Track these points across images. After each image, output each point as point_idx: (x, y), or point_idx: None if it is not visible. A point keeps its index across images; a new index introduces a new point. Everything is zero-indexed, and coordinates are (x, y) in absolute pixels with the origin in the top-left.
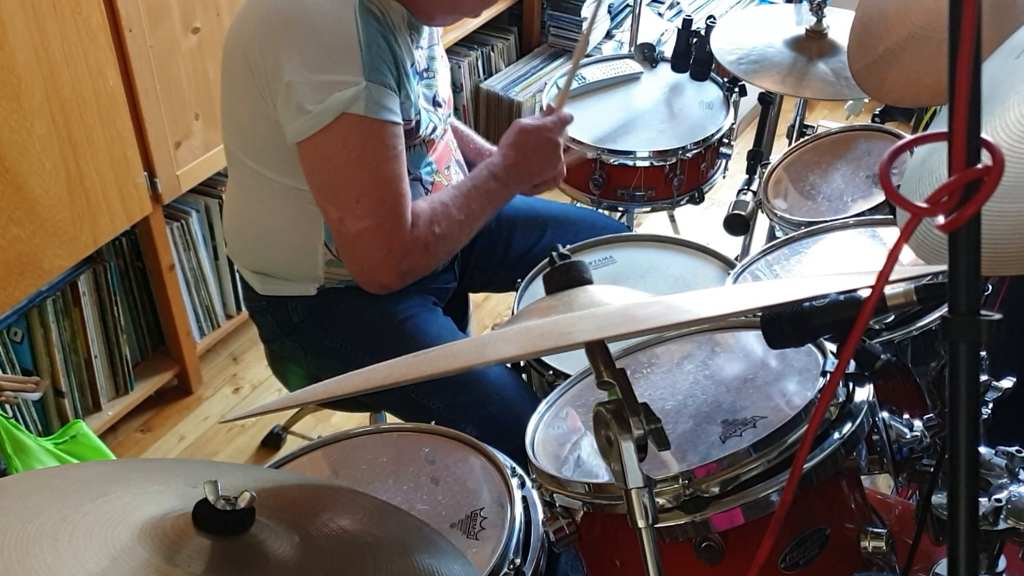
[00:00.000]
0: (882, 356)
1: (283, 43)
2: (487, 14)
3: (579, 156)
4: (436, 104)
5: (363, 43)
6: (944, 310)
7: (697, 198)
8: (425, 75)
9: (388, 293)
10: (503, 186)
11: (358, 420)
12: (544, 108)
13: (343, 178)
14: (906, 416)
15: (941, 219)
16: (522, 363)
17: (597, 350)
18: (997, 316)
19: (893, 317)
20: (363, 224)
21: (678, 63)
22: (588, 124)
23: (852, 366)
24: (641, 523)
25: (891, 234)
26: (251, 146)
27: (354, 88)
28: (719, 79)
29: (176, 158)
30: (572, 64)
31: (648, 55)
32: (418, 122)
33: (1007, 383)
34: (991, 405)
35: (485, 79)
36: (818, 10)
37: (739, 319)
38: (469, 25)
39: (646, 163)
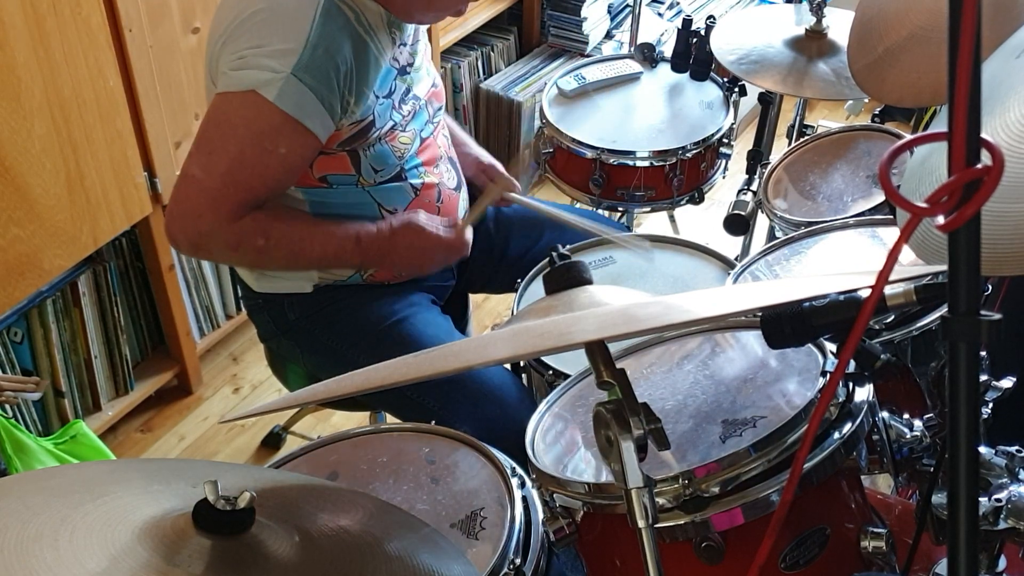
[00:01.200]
0: (882, 356)
1: (247, 23)
2: (486, 13)
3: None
4: (413, 98)
5: (311, 42)
6: (944, 310)
7: (697, 198)
8: (407, 70)
9: (386, 287)
10: (358, 254)
11: (358, 420)
12: (454, 223)
13: (217, 135)
14: (906, 416)
15: (941, 219)
16: (522, 363)
17: (597, 350)
18: (997, 316)
19: (893, 317)
20: (199, 173)
21: (678, 63)
22: (588, 124)
23: (852, 366)
24: (641, 523)
25: (891, 234)
26: None
27: (274, 75)
28: (719, 79)
29: (176, 158)
30: (485, 196)
31: (648, 55)
32: (371, 122)
33: (1007, 383)
34: (991, 405)
35: (485, 79)
36: (818, 10)
37: (739, 319)
38: (469, 25)
39: (646, 163)
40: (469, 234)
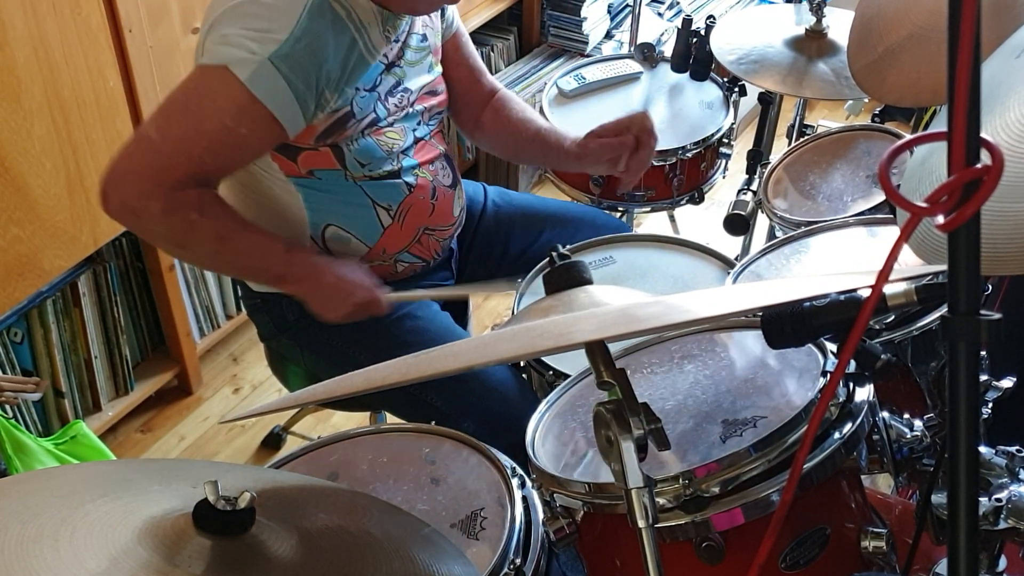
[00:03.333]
0: (882, 356)
1: (237, 9)
2: (486, 13)
3: None
4: (403, 92)
5: (294, 35)
6: (944, 310)
7: (697, 198)
8: (398, 63)
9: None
10: (283, 264)
11: (358, 420)
12: (388, 298)
13: (183, 103)
14: (906, 416)
15: (941, 219)
16: (522, 363)
17: (597, 350)
18: (997, 316)
19: (893, 317)
20: (153, 135)
21: (678, 63)
22: (588, 124)
23: (852, 366)
24: (641, 523)
25: (891, 234)
26: None
27: (250, 55)
28: (719, 79)
29: None
30: (428, 293)
31: (648, 55)
32: (348, 113)
33: (1007, 383)
34: (991, 405)
35: None
36: (818, 10)
37: (739, 319)
38: (469, 25)
39: None
40: (390, 304)
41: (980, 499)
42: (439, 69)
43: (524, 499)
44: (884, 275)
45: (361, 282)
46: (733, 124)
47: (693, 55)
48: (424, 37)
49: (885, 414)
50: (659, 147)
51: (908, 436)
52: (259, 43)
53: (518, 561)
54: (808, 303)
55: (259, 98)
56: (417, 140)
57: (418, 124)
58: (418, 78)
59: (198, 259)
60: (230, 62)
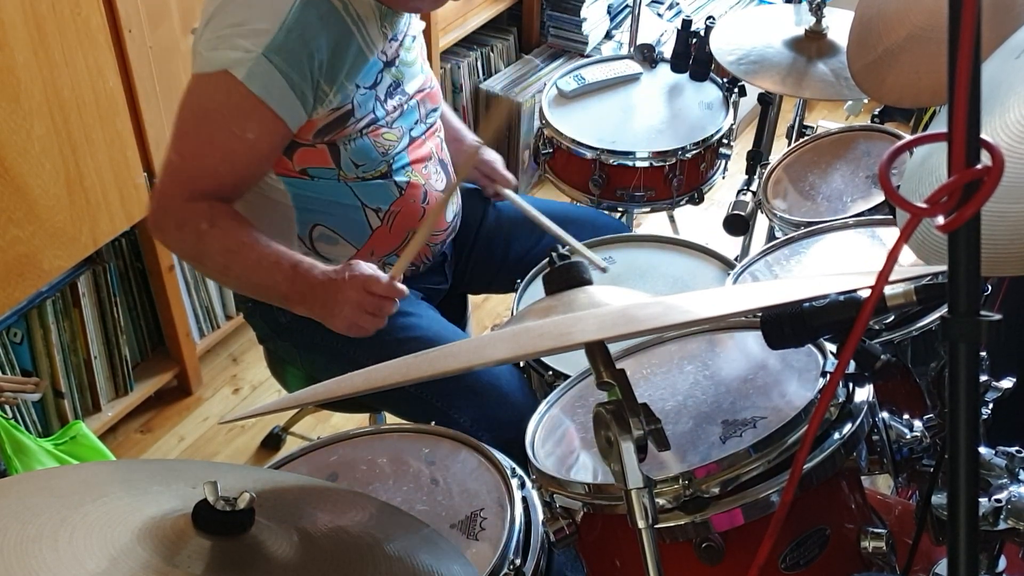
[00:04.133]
0: (882, 356)
1: (228, 5)
2: (486, 13)
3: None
4: (401, 93)
5: (285, 25)
6: (944, 310)
7: (697, 198)
8: (396, 63)
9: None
10: (290, 282)
11: (358, 420)
12: (391, 277)
13: (192, 119)
14: (906, 416)
15: (941, 219)
16: (522, 363)
17: (597, 350)
18: (997, 316)
19: (893, 317)
20: (174, 157)
21: (678, 63)
22: (588, 124)
23: (852, 366)
24: (641, 523)
25: (891, 234)
26: None
27: (246, 54)
28: (718, 79)
29: None
30: (414, 242)
31: (648, 55)
32: (348, 111)
33: (1007, 383)
34: (991, 405)
35: (484, 79)
36: (817, 10)
37: (739, 319)
38: (468, 25)
39: (645, 163)
40: (402, 288)
41: (980, 500)
42: (428, 69)
43: (524, 500)
44: (884, 276)
45: (364, 303)
46: (733, 125)
47: (693, 55)
48: (415, 38)
49: (885, 415)
50: (659, 147)
51: (908, 437)
52: (251, 39)
53: (518, 562)
54: (808, 304)
55: (260, 96)
56: (412, 139)
57: (415, 123)
58: (414, 80)
59: (213, 274)
60: (227, 65)
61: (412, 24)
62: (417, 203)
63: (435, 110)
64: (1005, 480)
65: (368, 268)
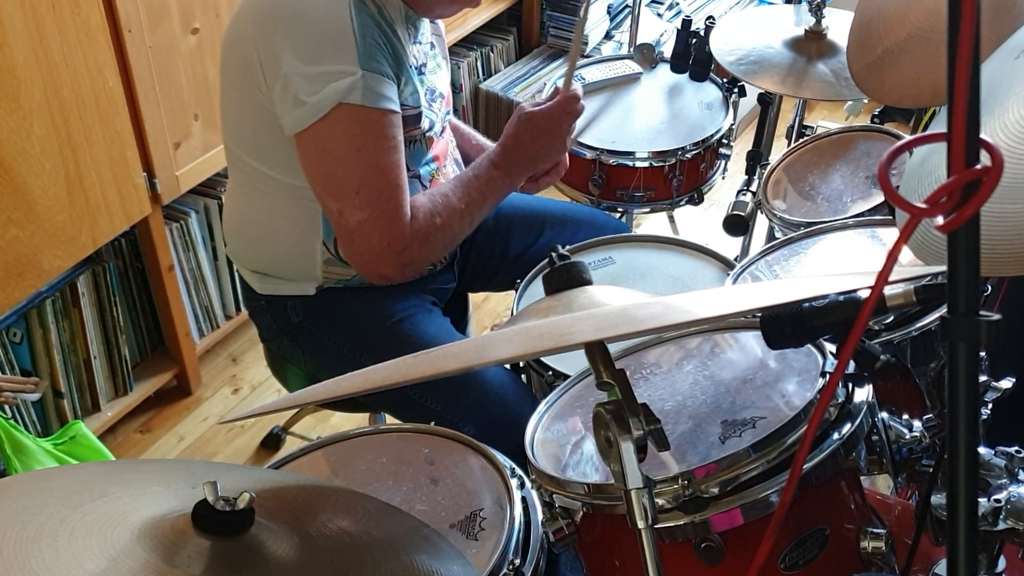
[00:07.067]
0: (882, 356)
1: (278, 36)
2: (486, 13)
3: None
4: (432, 100)
5: (357, 33)
6: (943, 311)
7: (696, 199)
8: (422, 70)
9: (388, 289)
10: (505, 174)
11: (358, 420)
12: (552, 91)
13: (342, 169)
14: (905, 416)
15: (940, 220)
16: (522, 364)
17: (597, 351)
18: (996, 316)
19: (892, 318)
20: (363, 215)
21: (677, 64)
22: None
23: (852, 366)
24: (641, 524)
25: (890, 235)
26: (250, 143)
27: (350, 78)
28: (718, 80)
29: (175, 159)
30: (573, 47)
31: (647, 56)
32: (419, 113)
33: (1007, 383)
34: (990, 406)
35: (484, 80)
36: (817, 11)
37: (739, 319)
38: (468, 25)
39: (645, 164)
40: (578, 87)
41: (979, 500)
42: (447, 70)
43: (523, 500)
44: (883, 276)
45: (548, 112)
46: (732, 125)
47: (692, 56)
48: (432, 45)
49: (884, 415)
50: (659, 148)
51: (907, 437)
52: (344, 63)
53: (517, 562)
54: (807, 304)
55: (380, 107)
56: (435, 140)
57: (441, 127)
58: (442, 85)
59: (467, 233)
60: (341, 98)
61: (432, 31)
62: None
63: (449, 112)
64: (1004, 480)
65: (529, 107)
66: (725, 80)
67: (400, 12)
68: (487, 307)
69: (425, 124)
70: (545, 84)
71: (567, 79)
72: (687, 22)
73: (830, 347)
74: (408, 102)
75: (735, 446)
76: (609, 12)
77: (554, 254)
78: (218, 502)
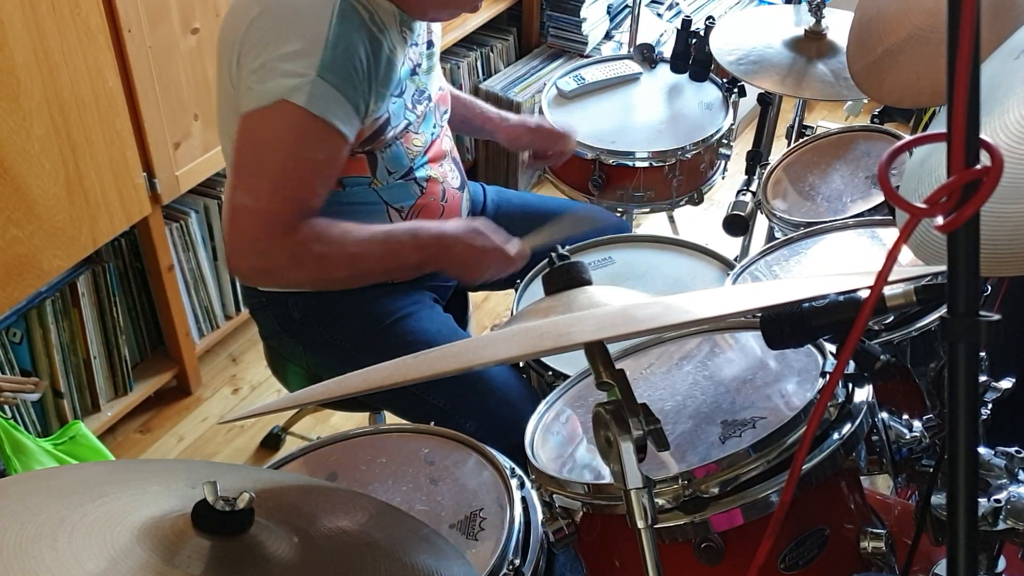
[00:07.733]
0: (881, 357)
1: (255, 26)
2: (486, 14)
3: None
4: (419, 100)
5: (330, 42)
6: (943, 311)
7: (696, 199)
8: (417, 70)
9: (389, 287)
10: (415, 251)
11: (357, 420)
12: (522, 250)
13: (258, 157)
14: (905, 417)
15: (940, 220)
16: (522, 364)
17: (596, 351)
18: (996, 317)
19: (892, 318)
20: (249, 201)
21: (677, 64)
22: (588, 125)
23: (851, 367)
24: (641, 524)
25: (890, 235)
26: None
27: (300, 79)
28: (718, 80)
29: (175, 159)
30: (554, 226)
31: (647, 56)
32: (386, 120)
33: (1006, 384)
34: (990, 406)
35: (484, 80)
36: (817, 11)
37: (738, 320)
38: (468, 25)
39: (645, 164)
40: (527, 253)
41: (979, 500)
42: (439, 69)
43: (523, 500)
44: (883, 276)
45: (489, 246)
46: (732, 125)
47: (692, 56)
48: (430, 43)
49: (884, 415)
50: (659, 148)
51: (907, 437)
52: (301, 62)
53: (517, 562)
54: (807, 304)
55: (323, 117)
56: (431, 140)
57: (434, 126)
58: (433, 84)
59: (344, 283)
60: (284, 94)
61: (429, 29)
62: (437, 200)
63: (447, 112)
64: (1004, 480)
65: (483, 227)
66: (725, 80)
67: (394, 17)
68: (487, 307)
69: (399, 127)
70: (545, 84)
71: (534, 239)
72: (687, 22)
73: (830, 347)
74: (370, 113)
75: (735, 446)
76: (609, 12)
77: (554, 254)
78: (218, 502)
